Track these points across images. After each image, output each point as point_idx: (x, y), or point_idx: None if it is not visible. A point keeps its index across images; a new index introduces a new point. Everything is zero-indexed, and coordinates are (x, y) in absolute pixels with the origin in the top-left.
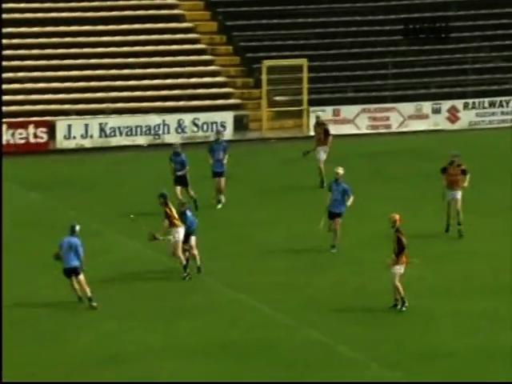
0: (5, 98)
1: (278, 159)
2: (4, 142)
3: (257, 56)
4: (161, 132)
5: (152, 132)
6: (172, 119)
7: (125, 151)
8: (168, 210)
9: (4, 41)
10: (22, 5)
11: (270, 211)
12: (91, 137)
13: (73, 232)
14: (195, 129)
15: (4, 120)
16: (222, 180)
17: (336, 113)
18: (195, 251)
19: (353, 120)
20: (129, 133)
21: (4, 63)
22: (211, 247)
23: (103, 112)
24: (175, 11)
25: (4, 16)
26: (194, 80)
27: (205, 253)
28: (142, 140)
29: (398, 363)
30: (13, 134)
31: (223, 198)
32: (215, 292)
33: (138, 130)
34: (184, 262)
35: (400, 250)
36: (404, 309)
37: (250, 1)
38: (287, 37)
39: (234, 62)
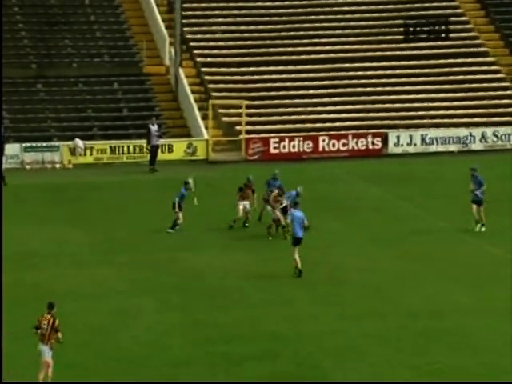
0: (353, 115)
1: None
2: (350, 148)
3: None
4: (468, 141)
5: (461, 141)
6: (477, 131)
7: (440, 156)
8: None
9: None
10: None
11: None
12: (415, 145)
13: (296, 204)
14: (495, 139)
15: (350, 132)
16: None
17: None
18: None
19: None
20: (443, 142)
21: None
22: None
23: (424, 126)
24: (482, 49)
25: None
26: (495, 101)
27: None
28: (453, 147)
29: None
30: (356, 142)
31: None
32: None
33: (451, 139)
34: None
35: None
36: None
37: None
38: None
39: None
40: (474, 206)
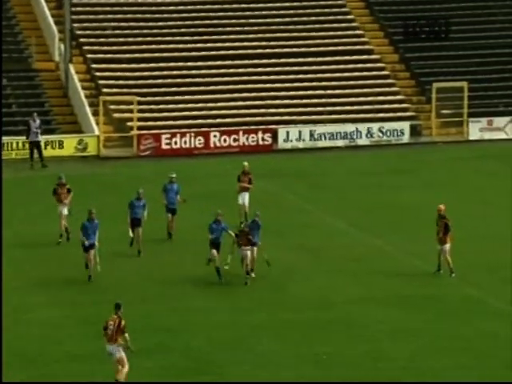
0: (244, 111)
1: (444, 157)
2: (241, 143)
3: (428, 80)
4: (355, 137)
5: (348, 137)
6: (363, 127)
7: (328, 151)
8: None
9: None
10: None
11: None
12: (303, 140)
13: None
14: (381, 134)
15: (241, 127)
16: None
17: (489, 123)
18: None
19: (503, 128)
20: (331, 137)
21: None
22: None
23: (312, 121)
24: (367, 46)
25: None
26: (380, 98)
27: None
28: (340, 143)
29: None
30: (247, 138)
31: None
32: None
33: (338, 135)
34: None
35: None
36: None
37: (424, 38)
38: (452, 65)
39: (410, 84)
40: None
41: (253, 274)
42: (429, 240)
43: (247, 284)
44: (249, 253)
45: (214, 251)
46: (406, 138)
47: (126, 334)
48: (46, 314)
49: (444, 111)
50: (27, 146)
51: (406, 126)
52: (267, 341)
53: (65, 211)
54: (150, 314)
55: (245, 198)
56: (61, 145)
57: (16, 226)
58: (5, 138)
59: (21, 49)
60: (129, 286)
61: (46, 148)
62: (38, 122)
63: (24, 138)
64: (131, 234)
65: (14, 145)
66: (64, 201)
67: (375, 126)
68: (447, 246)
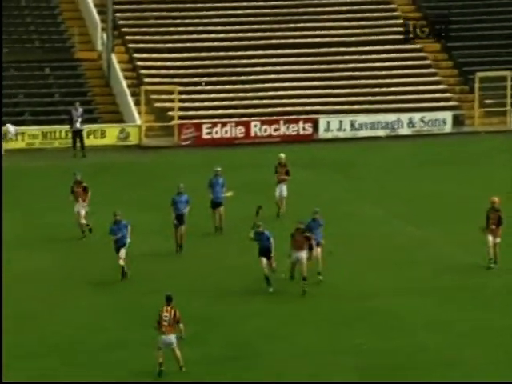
0: (285, 101)
1: (487, 147)
2: (282, 133)
3: (471, 69)
4: (396, 126)
5: (389, 126)
6: (405, 117)
7: (369, 141)
8: None
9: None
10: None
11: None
12: (344, 130)
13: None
14: (422, 124)
15: (282, 117)
16: None
17: None
18: None
19: None
20: (372, 127)
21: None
22: None
23: (353, 111)
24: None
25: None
26: (422, 87)
27: None
28: (381, 132)
29: None
30: (288, 128)
31: None
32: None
33: (379, 125)
34: None
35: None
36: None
37: (468, 27)
38: (495, 54)
39: (453, 74)
40: None
41: (320, 277)
42: (470, 231)
43: (305, 292)
44: (304, 255)
45: (263, 259)
46: (448, 128)
47: (181, 325)
48: (91, 301)
49: (487, 101)
50: (70, 134)
51: (448, 115)
52: (305, 330)
53: (82, 211)
54: (188, 305)
55: (282, 190)
56: (103, 134)
57: (54, 215)
58: (47, 127)
59: (64, 38)
60: (167, 277)
61: (88, 137)
62: (80, 110)
63: (67, 127)
64: (121, 261)
65: (57, 134)
66: (80, 200)
67: (417, 116)
68: (498, 239)
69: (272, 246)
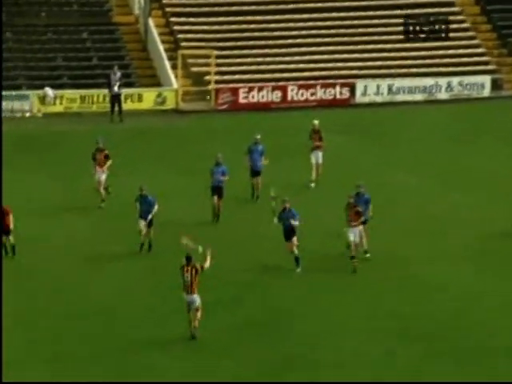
0: (321, 65)
1: None
2: (318, 97)
3: (510, 32)
4: (434, 91)
5: (427, 91)
6: (443, 81)
7: (407, 105)
8: None
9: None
10: None
11: None
12: (382, 94)
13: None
14: (461, 88)
15: (319, 81)
16: None
17: None
18: None
19: None
20: (410, 91)
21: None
22: None
23: (391, 75)
24: None
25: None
26: (461, 51)
27: None
28: (419, 97)
29: None
30: (324, 92)
31: None
32: None
33: (417, 89)
34: None
35: None
36: None
37: None
38: None
39: (492, 37)
40: None
41: (368, 255)
42: (506, 200)
43: (356, 272)
44: (356, 232)
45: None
46: (486, 92)
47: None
48: (125, 265)
49: None
50: (107, 99)
51: (487, 79)
52: (345, 298)
53: (102, 177)
54: (226, 269)
55: (318, 157)
56: (140, 98)
57: (90, 180)
58: (85, 91)
59: (101, 2)
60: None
61: (125, 102)
62: (118, 74)
63: (105, 90)
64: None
65: (95, 98)
66: (100, 167)
67: (455, 80)
68: None
69: (297, 226)
